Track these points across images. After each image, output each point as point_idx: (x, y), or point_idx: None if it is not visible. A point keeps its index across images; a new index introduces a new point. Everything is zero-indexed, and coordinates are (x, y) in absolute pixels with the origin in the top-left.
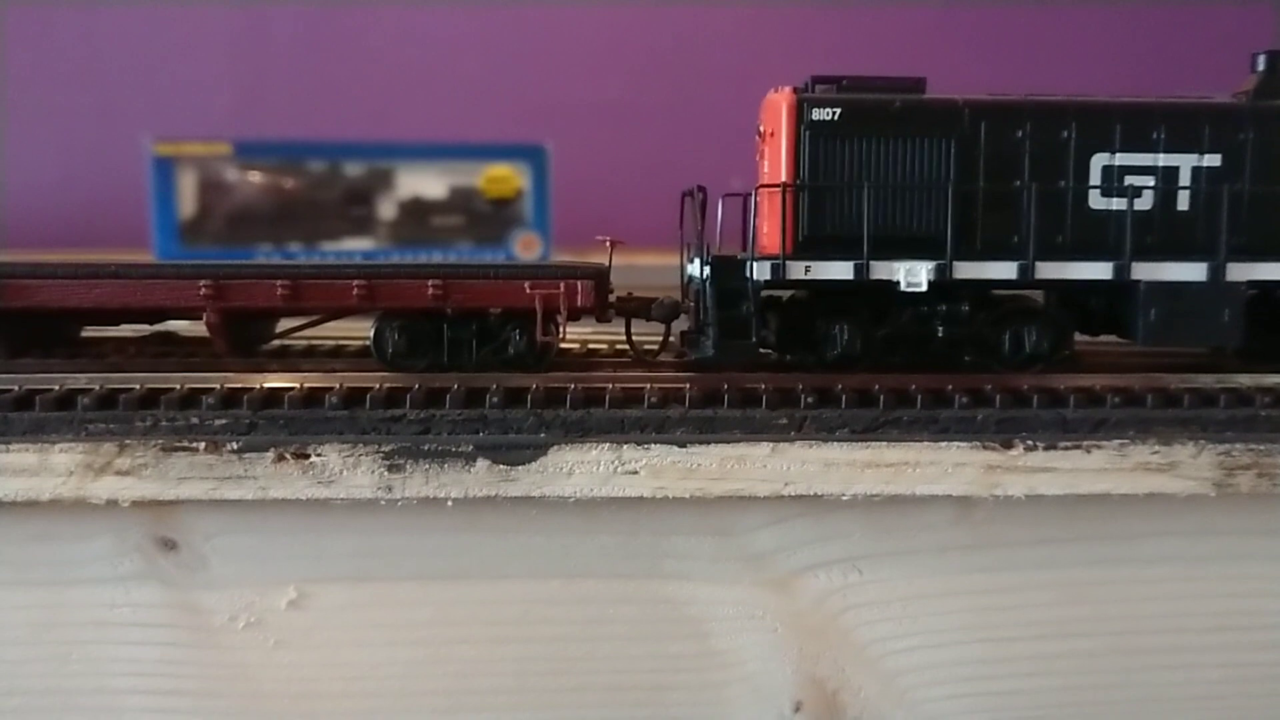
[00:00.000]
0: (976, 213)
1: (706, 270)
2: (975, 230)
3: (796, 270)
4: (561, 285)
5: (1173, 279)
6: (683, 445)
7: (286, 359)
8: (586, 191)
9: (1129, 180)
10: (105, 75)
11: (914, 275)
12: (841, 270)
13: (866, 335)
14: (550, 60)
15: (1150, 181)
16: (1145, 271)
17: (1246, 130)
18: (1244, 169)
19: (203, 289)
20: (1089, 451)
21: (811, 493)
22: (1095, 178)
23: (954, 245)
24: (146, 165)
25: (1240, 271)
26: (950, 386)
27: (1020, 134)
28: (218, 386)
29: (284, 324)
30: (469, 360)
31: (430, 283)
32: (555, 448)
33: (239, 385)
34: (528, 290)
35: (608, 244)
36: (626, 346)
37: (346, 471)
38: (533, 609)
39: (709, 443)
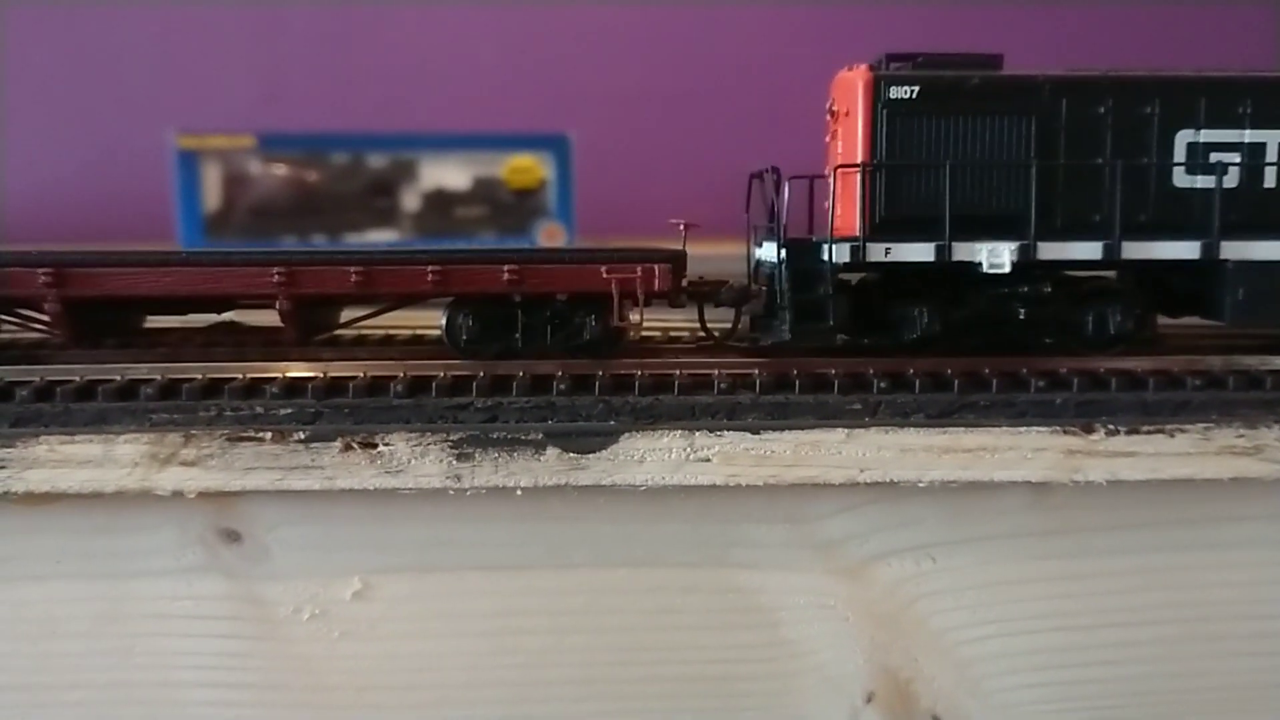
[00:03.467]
0: (1058, 191)
1: (782, 253)
2: (1057, 209)
3: (876, 252)
4: (639, 269)
5: (1261, 258)
6: (756, 432)
7: (343, 348)
8: (610, 180)
9: (1215, 157)
10: (124, 69)
11: (996, 256)
12: (923, 252)
13: (945, 317)
14: (572, 49)
15: (1236, 158)
16: (1233, 250)
17: None
18: None
19: (276, 275)
20: (1172, 435)
21: (888, 479)
22: (1180, 154)
23: (1037, 225)
24: (170, 158)
25: None
26: (1025, 370)
27: (1102, 110)
28: (280, 375)
29: (348, 314)
30: (543, 345)
31: (506, 268)
32: (626, 435)
33: (303, 375)
34: (604, 275)
35: (681, 228)
36: (683, 331)
37: (414, 460)
38: (600, 598)
39: (782, 429)
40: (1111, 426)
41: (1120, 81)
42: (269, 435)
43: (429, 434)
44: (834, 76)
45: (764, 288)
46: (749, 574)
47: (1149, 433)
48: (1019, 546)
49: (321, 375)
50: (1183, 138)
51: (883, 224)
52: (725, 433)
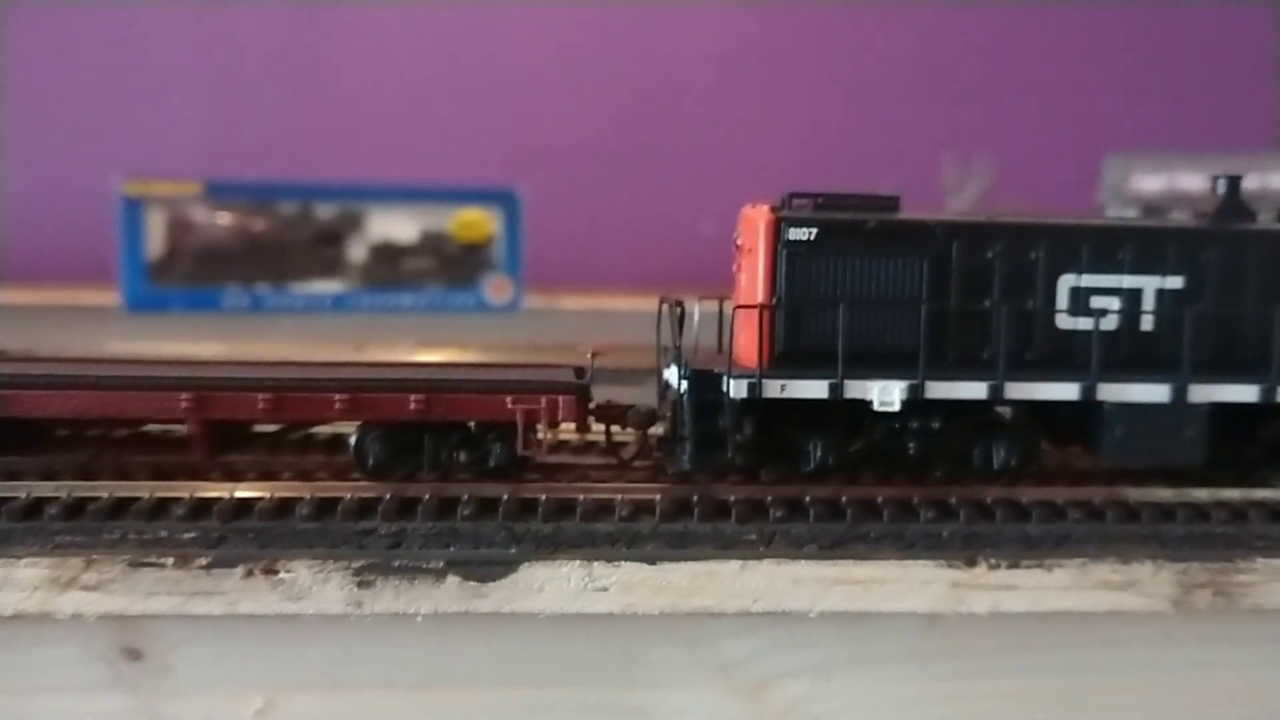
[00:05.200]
0: (949, 331)
1: (683, 384)
2: (947, 348)
3: (772, 389)
4: (543, 400)
5: (1136, 399)
6: (653, 562)
7: (260, 454)
8: (560, 233)
9: (1095, 301)
10: (68, 111)
11: (887, 395)
12: (816, 389)
13: (840, 450)
14: (525, 102)
15: (1116, 303)
16: (1110, 392)
17: (1208, 252)
18: (1206, 290)
19: (184, 401)
20: (1050, 570)
21: (781, 609)
22: (1063, 298)
23: (926, 363)
24: (115, 205)
25: (1202, 393)
26: (916, 499)
27: (991, 254)
28: (187, 496)
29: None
30: (450, 467)
31: (413, 396)
32: (526, 564)
33: (209, 495)
34: (509, 405)
35: (590, 355)
36: (599, 437)
37: (316, 587)
38: (508, 717)
39: (680, 559)
40: (993, 560)
41: (1008, 227)
42: (171, 561)
43: (331, 560)
44: (740, 211)
45: (668, 413)
46: (650, 694)
47: (1029, 567)
48: (913, 668)
49: (228, 496)
50: (1065, 281)
51: (781, 359)
52: (623, 563)
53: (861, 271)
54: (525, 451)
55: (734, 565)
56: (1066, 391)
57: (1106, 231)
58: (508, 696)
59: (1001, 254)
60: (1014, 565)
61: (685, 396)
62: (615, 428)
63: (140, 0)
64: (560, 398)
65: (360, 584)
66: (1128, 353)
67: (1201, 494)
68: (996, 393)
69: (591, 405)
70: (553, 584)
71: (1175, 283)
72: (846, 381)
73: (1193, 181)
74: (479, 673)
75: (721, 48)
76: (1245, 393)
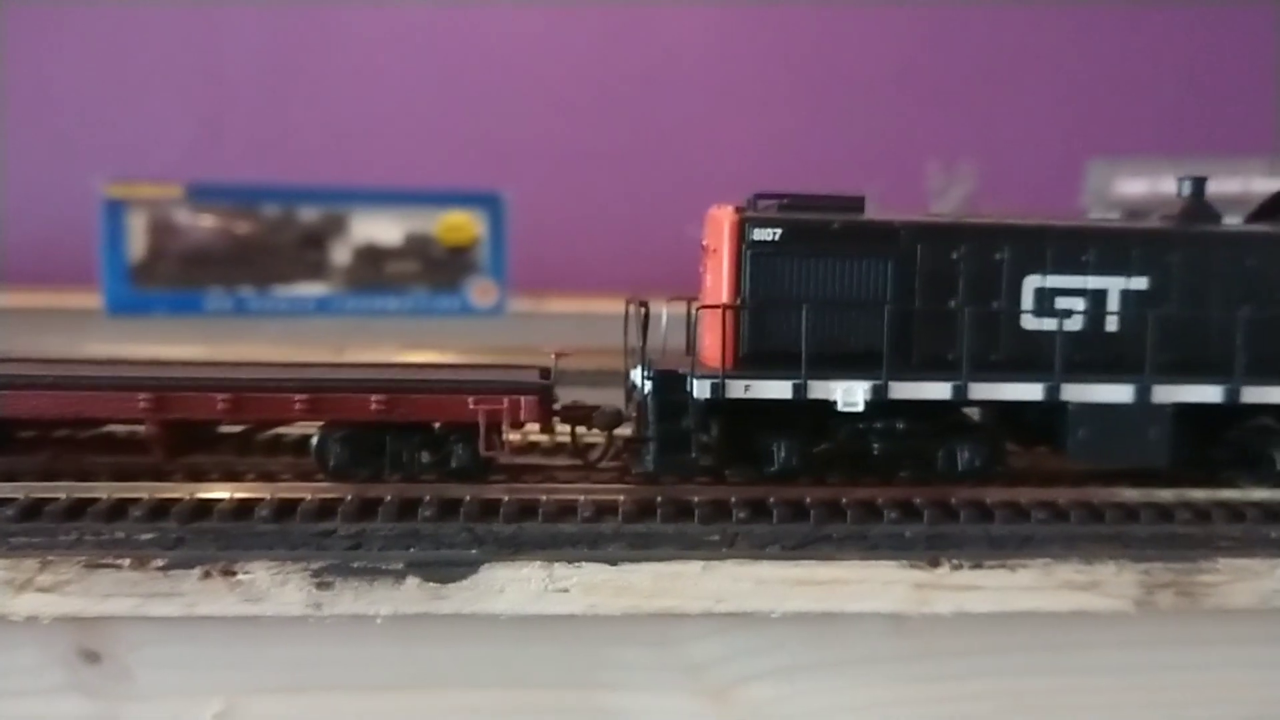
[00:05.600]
0: (913, 331)
1: (648, 385)
2: (911, 349)
3: (736, 389)
4: (505, 400)
5: (1100, 400)
6: (615, 563)
7: (228, 456)
8: (548, 236)
9: (1060, 302)
10: (54, 111)
11: (851, 395)
12: (780, 389)
13: (805, 451)
14: (512, 105)
15: (1080, 304)
16: (1074, 393)
17: (1172, 254)
18: (1171, 292)
19: (142, 402)
20: (1014, 570)
21: (743, 610)
22: (1028, 299)
23: (890, 364)
24: (97, 206)
25: (1166, 393)
26: (880, 500)
27: (955, 255)
28: (146, 497)
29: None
30: (412, 469)
31: (374, 396)
32: (487, 565)
33: (168, 496)
34: (471, 405)
35: (553, 356)
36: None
37: (274, 589)
38: (472, 719)
39: (641, 560)
40: (956, 561)
41: (972, 228)
42: (128, 562)
43: (290, 562)
44: (707, 212)
45: (634, 414)
46: (618, 695)
47: (992, 567)
48: (879, 671)
49: (187, 497)
50: (1030, 283)
51: (745, 359)
52: (585, 564)
53: (826, 272)
54: (489, 452)
55: (696, 566)
56: (1031, 392)
57: (1071, 233)
58: (474, 699)
59: (966, 255)
60: (977, 566)
61: (649, 397)
62: (581, 429)
63: (127, 2)
64: (522, 398)
65: (319, 585)
66: (1092, 354)
67: (1167, 494)
68: (960, 393)
69: (556, 406)
70: (514, 585)
71: (1140, 284)
72: (810, 382)
73: (1171, 185)
74: (443, 676)
75: (709, 52)
76: (1209, 393)
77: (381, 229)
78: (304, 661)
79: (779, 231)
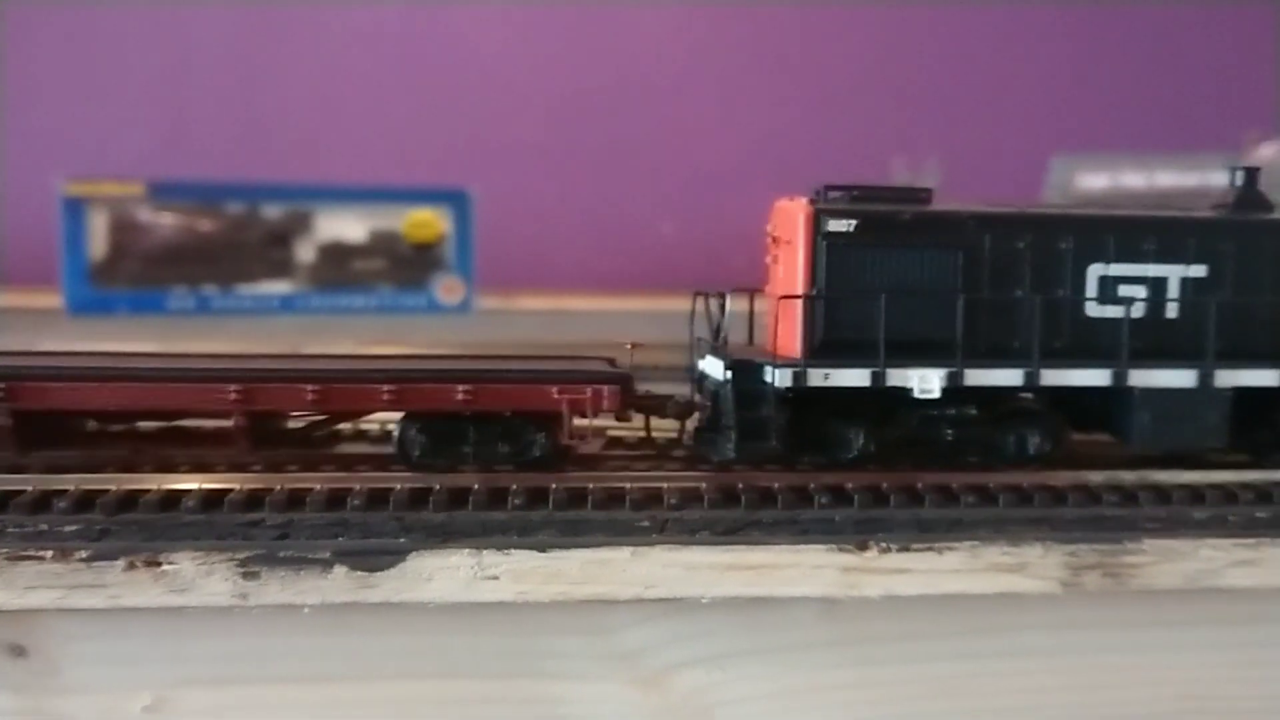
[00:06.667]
0: (982, 320)
1: (728, 374)
2: (981, 337)
3: (816, 377)
4: (589, 390)
5: (1164, 385)
6: (544, 550)
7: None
8: (519, 234)
9: (1123, 290)
10: (19, 110)
11: (927, 382)
12: (859, 377)
13: (878, 437)
14: (484, 103)
15: (1142, 291)
16: (1139, 378)
17: (1227, 242)
18: (1226, 279)
19: (232, 394)
20: (941, 553)
21: (673, 596)
22: (1092, 287)
23: (963, 352)
24: (57, 205)
25: (1226, 378)
26: (812, 486)
27: (1022, 244)
28: (72, 488)
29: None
30: (494, 458)
31: (460, 387)
32: (415, 554)
33: (94, 488)
34: (555, 395)
35: (630, 347)
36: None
37: (200, 579)
38: (406, 710)
39: (571, 547)
40: (885, 545)
41: (1038, 218)
42: (50, 553)
43: (215, 552)
44: (774, 204)
45: (708, 402)
46: (553, 684)
47: (920, 550)
48: (811, 656)
49: (114, 489)
50: (1094, 271)
51: (821, 348)
52: (514, 551)
53: (897, 262)
54: (570, 441)
55: (625, 553)
56: (1099, 378)
57: (1132, 222)
58: (407, 689)
59: (1032, 244)
60: (905, 549)
61: (728, 387)
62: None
63: (96, 1)
64: (605, 388)
65: (245, 575)
66: (1153, 340)
67: (1096, 478)
68: (1031, 379)
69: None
70: (442, 573)
71: (1199, 271)
72: (888, 370)
73: (1135, 180)
74: (375, 666)
75: (678, 51)
76: (1266, 377)
77: (346, 226)
78: (234, 653)
79: (853, 223)
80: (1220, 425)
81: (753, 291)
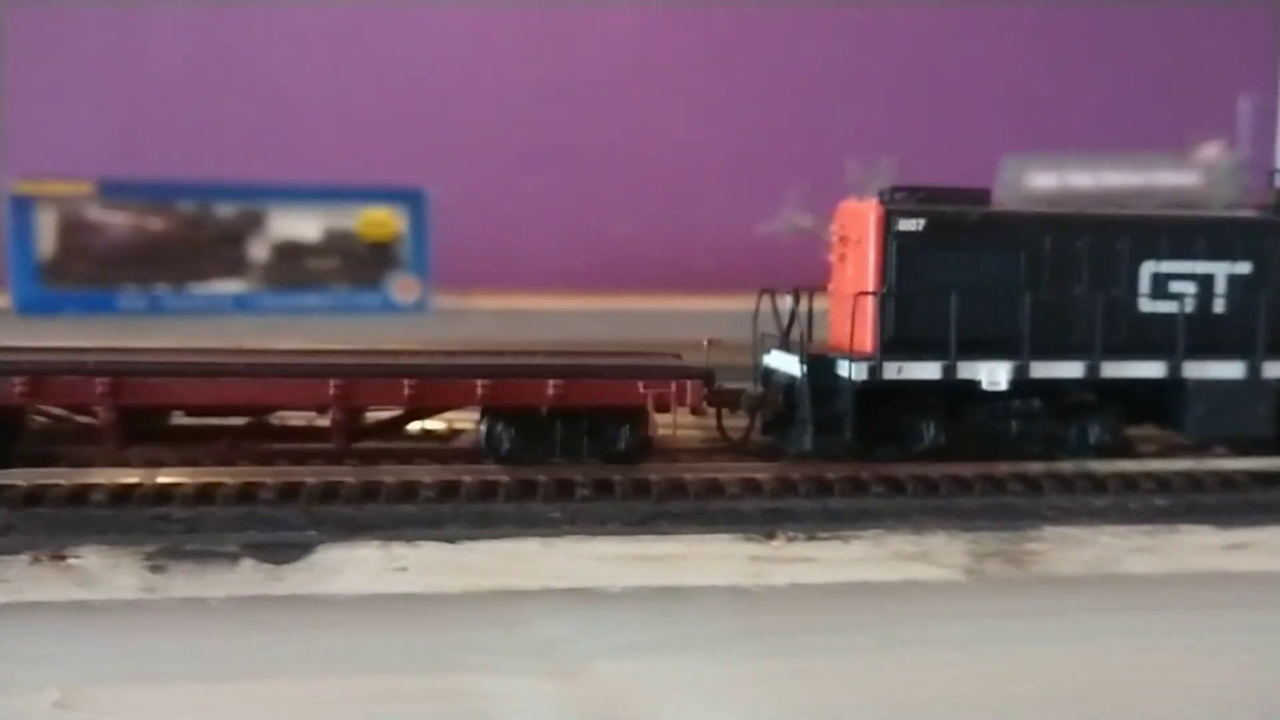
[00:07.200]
0: (1044, 316)
1: (804, 369)
2: (1044, 332)
3: (891, 370)
4: (674, 385)
5: (1216, 376)
6: (453, 541)
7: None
8: (477, 234)
9: (1174, 286)
10: None
11: (995, 375)
12: (931, 370)
13: (949, 429)
14: (441, 103)
15: (1192, 288)
16: (1193, 370)
17: (1271, 241)
18: (1269, 275)
19: (333, 388)
20: (847, 541)
21: (582, 587)
22: (1145, 284)
23: (1029, 347)
24: (3, 204)
25: (1274, 369)
26: (724, 478)
27: (1080, 244)
28: None
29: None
30: (580, 452)
31: (551, 382)
32: (323, 546)
33: (2, 483)
34: (641, 390)
35: (706, 343)
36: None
37: (107, 573)
38: (321, 705)
39: (480, 539)
40: (792, 534)
41: (1095, 219)
42: None
43: (122, 546)
44: (839, 205)
45: (778, 396)
46: (472, 677)
47: (825, 539)
48: (726, 645)
49: (22, 484)
50: (1147, 268)
51: (892, 344)
52: (422, 543)
53: (965, 261)
54: (650, 433)
55: (534, 544)
56: (1155, 369)
57: (1182, 222)
58: (322, 684)
59: (1090, 244)
60: (811, 538)
61: (803, 381)
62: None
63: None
64: (689, 383)
65: (152, 569)
66: (1203, 334)
67: (1003, 468)
68: (1093, 372)
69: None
70: (350, 565)
71: (1244, 268)
72: (959, 364)
73: (1082, 179)
74: (288, 660)
75: (638, 50)
76: None
77: (300, 225)
78: (142, 647)
79: (923, 222)
80: (1268, 414)
81: (812, 290)
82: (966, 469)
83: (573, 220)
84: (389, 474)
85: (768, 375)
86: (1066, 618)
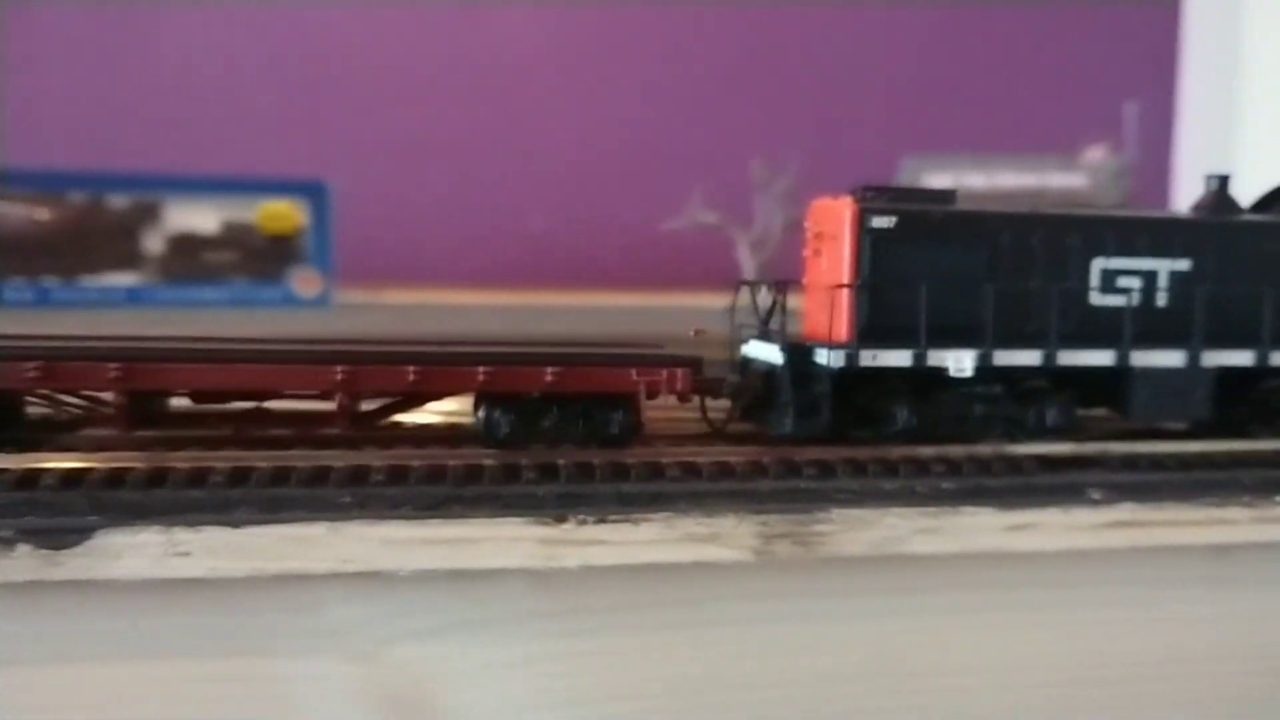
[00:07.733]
0: (1004, 307)
1: (784, 356)
2: (1005, 323)
3: (866, 358)
4: (664, 372)
5: (1159, 365)
6: (238, 526)
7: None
8: (386, 228)
9: (1121, 281)
10: None
11: (961, 362)
12: (902, 358)
13: (919, 412)
14: (350, 97)
15: (1137, 283)
16: (1138, 359)
17: (1207, 239)
18: (1206, 272)
19: (339, 374)
20: (638, 524)
21: (370, 570)
22: (1095, 278)
23: (991, 336)
24: None
25: (1211, 359)
26: (524, 462)
27: (1035, 240)
28: None
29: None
30: (572, 438)
31: (549, 369)
32: (103, 531)
33: None
34: (634, 377)
35: (693, 334)
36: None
37: None
38: (109, 694)
39: (267, 523)
40: (583, 517)
41: (1049, 218)
42: None
43: None
44: (813, 203)
45: (758, 383)
46: (266, 662)
47: (616, 522)
48: (521, 628)
49: None
50: (1097, 264)
51: (866, 333)
52: (205, 528)
53: (932, 255)
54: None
55: (321, 528)
56: (1105, 358)
57: (1128, 221)
58: (110, 672)
59: (1044, 241)
60: (602, 521)
61: (784, 368)
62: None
63: None
64: (679, 370)
65: None
66: (1145, 325)
67: (799, 453)
68: (1050, 360)
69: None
70: (131, 550)
71: (1183, 265)
72: (928, 351)
73: (976, 180)
74: (71, 648)
75: (546, 45)
76: (1243, 358)
77: (198, 217)
78: None
79: (895, 219)
80: (1205, 400)
81: (786, 283)
82: (763, 453)
83: (481, 216)
84: (179, 460)
85: (746, 364)
86: (853, 597)
